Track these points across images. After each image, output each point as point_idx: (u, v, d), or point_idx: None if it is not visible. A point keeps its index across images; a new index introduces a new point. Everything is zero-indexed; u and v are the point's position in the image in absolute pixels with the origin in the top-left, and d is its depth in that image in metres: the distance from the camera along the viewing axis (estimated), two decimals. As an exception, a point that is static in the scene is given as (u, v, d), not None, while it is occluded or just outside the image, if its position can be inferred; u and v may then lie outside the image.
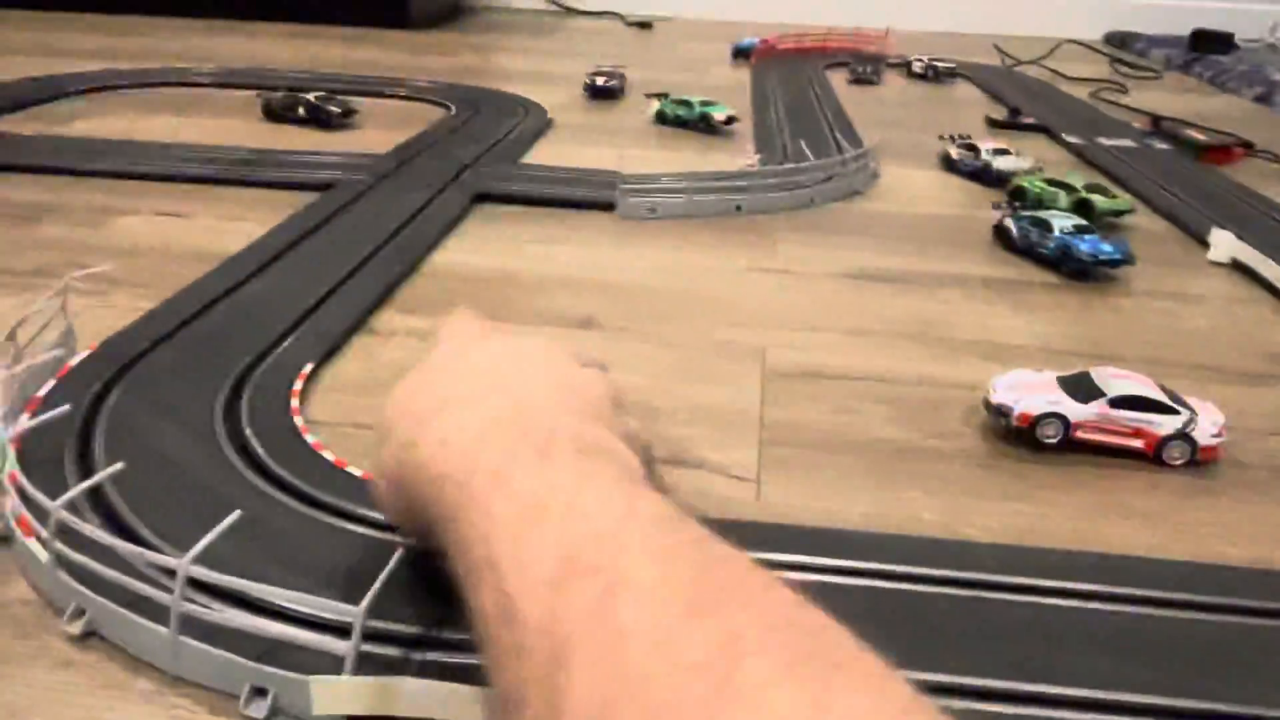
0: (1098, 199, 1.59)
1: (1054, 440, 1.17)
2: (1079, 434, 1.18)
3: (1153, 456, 1.19)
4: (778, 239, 1.55)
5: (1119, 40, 3.51)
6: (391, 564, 0.50)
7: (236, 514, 0.52)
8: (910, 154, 2.06)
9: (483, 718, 0.49)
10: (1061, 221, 1.44)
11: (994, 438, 1.12)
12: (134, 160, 1.57)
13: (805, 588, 0.52)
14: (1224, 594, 0.67)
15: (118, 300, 1.04)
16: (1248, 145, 2.25)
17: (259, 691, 0.49)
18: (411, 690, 0.48)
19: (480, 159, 1.70)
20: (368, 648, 0.50)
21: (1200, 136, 2.24)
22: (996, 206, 1.58)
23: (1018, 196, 1.57)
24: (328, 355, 0.95)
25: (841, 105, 2.41)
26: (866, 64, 2.74)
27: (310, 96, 1.92)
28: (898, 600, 0.63)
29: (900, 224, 1.70)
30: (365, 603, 0.47)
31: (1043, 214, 1.48)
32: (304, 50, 3.01)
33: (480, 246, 1.44)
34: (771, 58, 2.91)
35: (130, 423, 0.72)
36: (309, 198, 1.43)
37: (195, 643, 0.50)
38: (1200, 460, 1.25)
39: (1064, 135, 2.04)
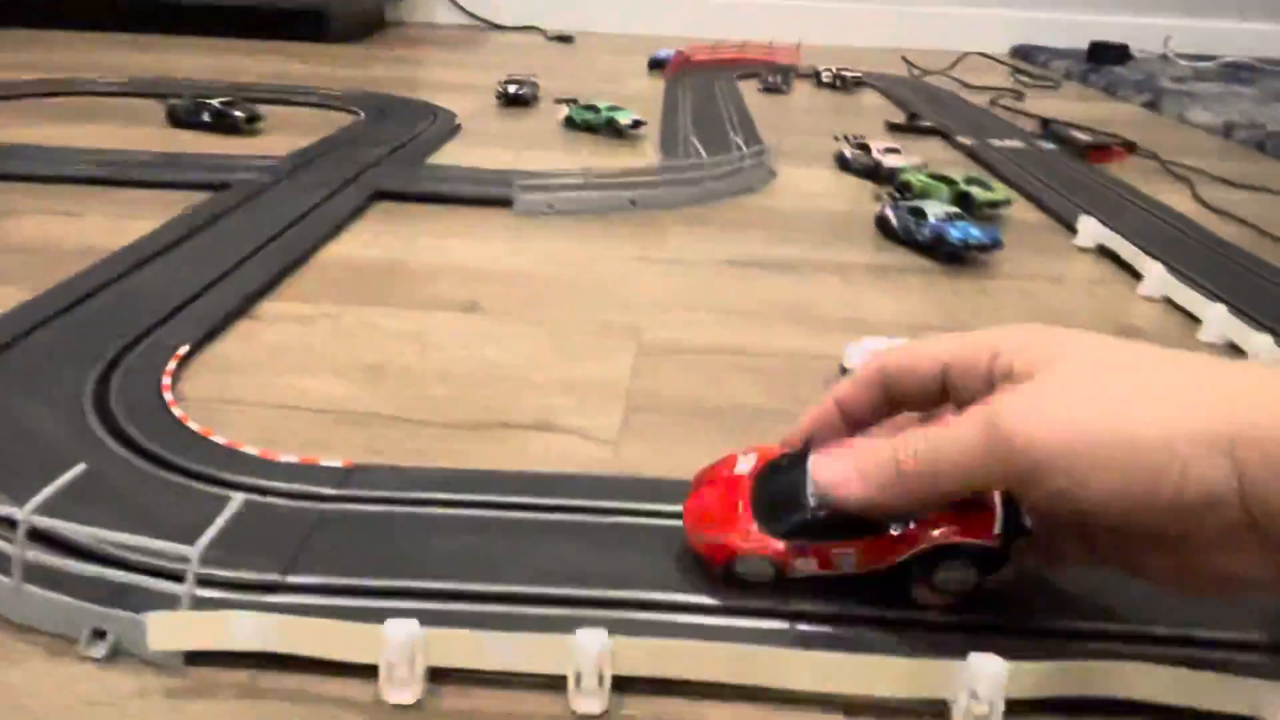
0: (976, 190, 1.68)
1: None
2: None
3: None
4: (669, 231, 1.62)
5: (1024, 53, 3.61)
6: (229, 510, 0.51)
7: (81, 467, 0.53)
8: (808, 155, 2.14)
9: (316, 649, 0.51)
10: (935, 210, 1.52)
11: None
12: (27, 163, 1.55)
13: (653, 531, 0.59)
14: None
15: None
16: (1130, 146, 2.42)
17: (99, 634, 0.50)
18: (246, 623, 0.48)
19: (382, 161, 1.72)
20: (212, 594, 0.52)
21: (1084, 137, 2.41)
22: (878, 198, 1.66)
23: (903, 190, 1.72)
24: (207, 337, 0.97)
25: (749, 111, 2.50)
26: (776, 74, 2.84)
27: (215, 102, 1.92)
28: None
29: (790, 218, 1.79)
30: (200, 542, 0.48)
31: (919, 203, 1.54)
32: (218, 62, 2.95)
33: (373, 240, 1.48)
34: (687, 69, 2.96)
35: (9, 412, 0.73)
36: (205, 197, 1.45)
37: (37, 589, 0.50)
38: None
39: (957, 137, 2.13)
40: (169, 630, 0.49)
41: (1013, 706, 0.54)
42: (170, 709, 0.49)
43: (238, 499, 0.55)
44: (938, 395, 0.49)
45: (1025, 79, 3.19)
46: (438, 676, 0.54)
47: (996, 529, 0.70)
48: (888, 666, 0.54)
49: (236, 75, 2.72)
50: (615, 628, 0.54)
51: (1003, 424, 0.40)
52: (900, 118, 2.34)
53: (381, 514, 0.65)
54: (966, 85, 3.15)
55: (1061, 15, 4.10)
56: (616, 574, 0.60)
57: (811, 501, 0.63)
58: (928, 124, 2.29)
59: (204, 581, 0.53)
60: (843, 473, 0.50)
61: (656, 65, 2.98)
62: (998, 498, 0.68)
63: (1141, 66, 3.40)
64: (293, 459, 0.74)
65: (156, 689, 0.50)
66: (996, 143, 2.29)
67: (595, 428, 0.98)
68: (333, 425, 0.98)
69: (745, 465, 0.68)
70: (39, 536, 0.54)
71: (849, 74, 2.88)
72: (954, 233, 1.49)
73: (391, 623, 0.49)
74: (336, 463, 0.73)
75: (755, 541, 0.63)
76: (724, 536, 0.65)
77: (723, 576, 0.64)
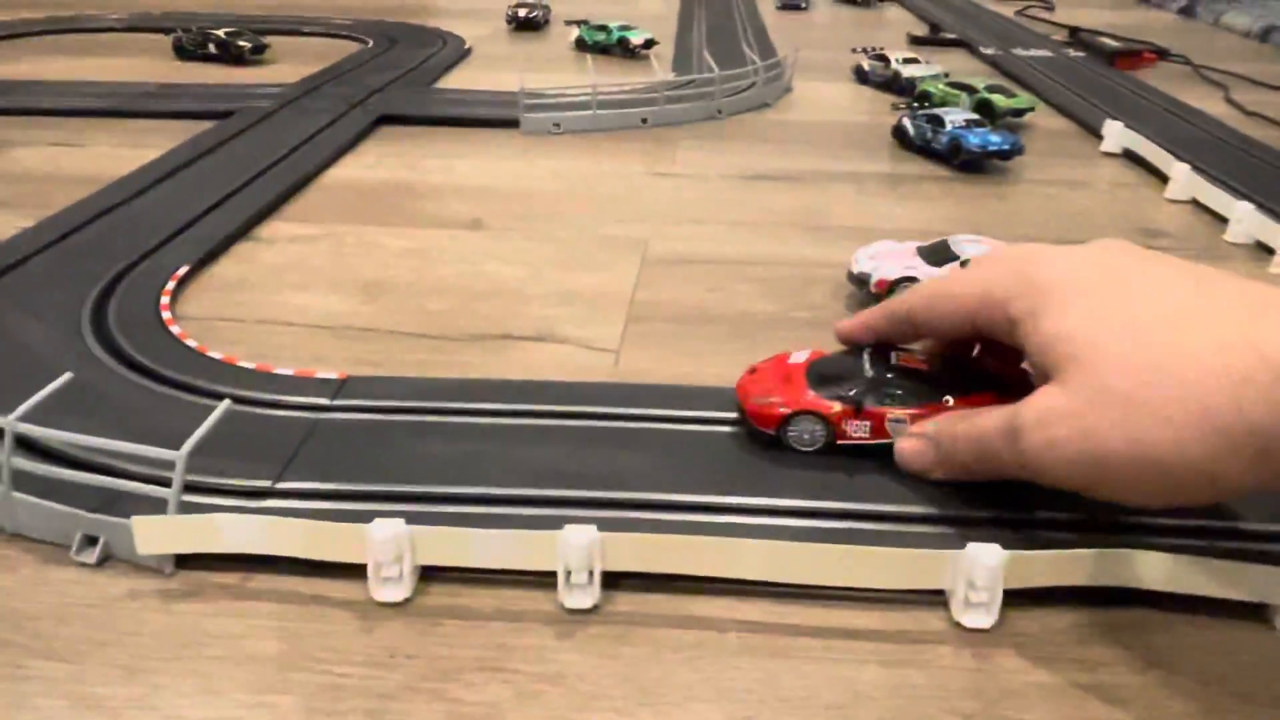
0: (997, 98, 1.65)
1: None
2: None
3: None
4: (679, 147, 1.58)
5: None
6: (215, 416, 0.51)
7: (67, 376, 0.54)
8: (826, 69, 2.05)
9: (304, 549, 0.51)
10: (954, 117, 1.49)
11: (858, 306, 1.24)
12: (35, 97, 1.54)
13: (649, 435, 0.61)
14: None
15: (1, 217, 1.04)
16: (1161, 52, 2.32)
17: (90, 540, 0.50)
18: (232, 525, 0.48)
19: (389, 86, 1.71)
20: (206, 500, 0.53)
21: (1113, 43, 2.31)
22: (895, 108, 1.63)
23: (922, 100, 1.70)
24: (208, 258, 0.97)
25: (766, 29, 2.45)
26: None
27: (220, 33, 1.89)
28: (729, 441, 0.69)
29: (804, 131, 1.73)
30: (186, 446, 0.48)
31: (937, 111, 1.50)
32: None
33: (378, 163, 1.46)
34: None
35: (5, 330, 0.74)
36: (210, 125, 1.44)
37: (28, 497, 0.50)
38: None
39: (981, 47, 2.09)
40: (156, 533, 0.49)
41: (1013, 598, 0.54)
42: (162, 610, 0.49)
43: (224, 405, 0.54)
44: (964, 331, 0.53)
45: None
46: (428, 576, 0.54)
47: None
48: (883, 558, 0.54)
49: (245, 8, 2.67)
50: (606, 526, 0.54)
51: (1027, 450, 0.46)
52: (922, 31, 2.29)
53: (375, 422, 0.65)
54: None
55: None
56: (609, 476, 0.61)
57: (872, 373, 0.65)
58: (951, 36, 2.22)
59: (198, 488, 0.53)
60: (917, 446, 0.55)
61: None
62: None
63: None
64: (288, 371, 0.74)
65: (148, 591, 0.50)
66: (1022, 52, 2.20)
67: (596, 337, 0.97)
68: (332, 340, 0.96)
69: (800, 356, 0.72)
70: (30, 446, 0.54)
71: None
72: (972, 139, 1.47)
73: (378, 522, 0.50)
74: (332, 375, 0.74)
75: (810, 402, 0.66)
76: (779, 398, 0.67)
77: (777, 439, 0.66)
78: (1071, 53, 2.16)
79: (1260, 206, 1.13)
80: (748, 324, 0.92)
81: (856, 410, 0.67)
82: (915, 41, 2.16)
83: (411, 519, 0.51)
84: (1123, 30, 2.57)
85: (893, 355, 0.71)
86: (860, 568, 0.53)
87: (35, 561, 0.52)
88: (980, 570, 0.50)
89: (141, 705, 0.45)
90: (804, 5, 2.74)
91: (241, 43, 1.87)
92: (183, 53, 1.92)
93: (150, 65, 1.89)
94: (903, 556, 0.54)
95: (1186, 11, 2.74)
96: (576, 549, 0.50)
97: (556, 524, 0.51)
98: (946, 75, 1.75)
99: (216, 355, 0.73)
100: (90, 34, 2.20)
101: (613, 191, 1.32)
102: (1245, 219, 1.12)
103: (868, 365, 0.69)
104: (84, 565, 0.51)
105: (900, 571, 0.53)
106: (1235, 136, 1.56)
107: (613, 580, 0.54)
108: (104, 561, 0.52)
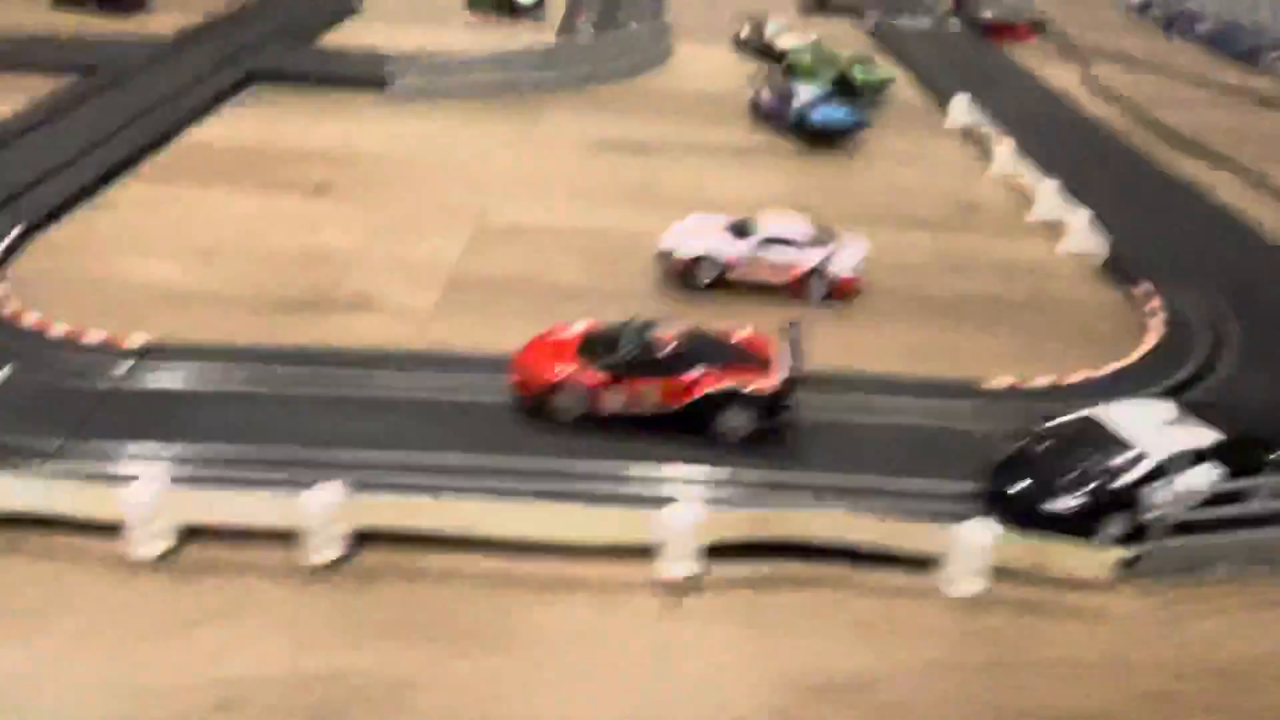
0: (858, 71, 1.97)
1: (709, 280, 2.25)
2: (733, 274, 2.32)
3: (798, 291, 2.42)
4: (545, 113, 1.58)
5: None
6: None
7: (6, 369, 0.85)
8: (711, 33, 2.47)
9: (78, 508, 0.83)
10: (804, 93, 1.56)
11: (663, 280, 1.54)
12: None
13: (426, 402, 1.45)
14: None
15: None
16: (1039, 25, 2.82)
17: None
18: (6, 485, 0.81)
19: (267, 42, 2.53)
20: None
21: (990, 16, 2.78)
22: (752, 81, 1.88)
23: (789, 71, 2.00)
24: (48, 220, 1.17)
25: None
26: None
27: None
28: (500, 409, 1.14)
29: (670, 100, 2.07)
30: None
31: (790, 85, 2.60)
32: None
33: (239, 123, 1.72)
34: None
35: None
36: (71, 80, 1.97)
37: None
38: (839, 293, 2.68)
39: (866, 16, 2.45)
40: None
41: (719, 551, 1.23)
42: None
43: (6, 369, 1.10)
44: None
45: None
46: (193, 535, 0.77)
47: (776, 379, 1.89)
48: (599, 516, 1.20)
49: None
50: (362, 486, 1.00)
51: None
52: None
53: (165, 390, 0.83)
54: None
55: None
56: (380, 438, 1.23)
57: (631, 348, 1.55)
58: (842, 3, 2.65)
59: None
60: None
61: None
62: (785, 351, 1.66)
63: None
64: (94, 339, 0.93)
65: None
66: (907, 22, 2.62)
67: (410, 306, 1.82)
68: (157, 305, 1.22)
69: (577, 327, 1.60)
70: None
71: None
72: (814, 115, 2.68)
73: (136, 484, 0.67)
74: (140, 341, 0.94)
75: (575, 376, 1.50)
76: (547, 369, 1.52)
77: (535, 408, 1.48)
78: (953, 24, 2.51)
79: (1067, 187, 1.92)
80: (557, 294, 1.60)
81: (613, 380, 1.51)
82: (811, 7, 3.56)
83: (185, 479, 0.69)
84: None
85: (650, 329, 1.54)
86: (582, 524, 1.16)
87: None
88: (676, 528, 1.12)
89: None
90: None
91: None
92: (59, 1, 1.97)
93: (25, 13, 2.10)
94: (617, 515, 1.18)
95: None
96: (317, 510, 0.72)
97: (312, 484, 0.85)
98: (818, 46, 2.90)
99: (26, 322, 1.21)
100: None
101: (466, 158, 1.41)
102: (1046, 200, 1.43)
103: (630, 340, 1.45)
104: None
105: (615, 528, 1.20)
106: (1074, 115, 2.82)
107: (367, 538, 1.14)
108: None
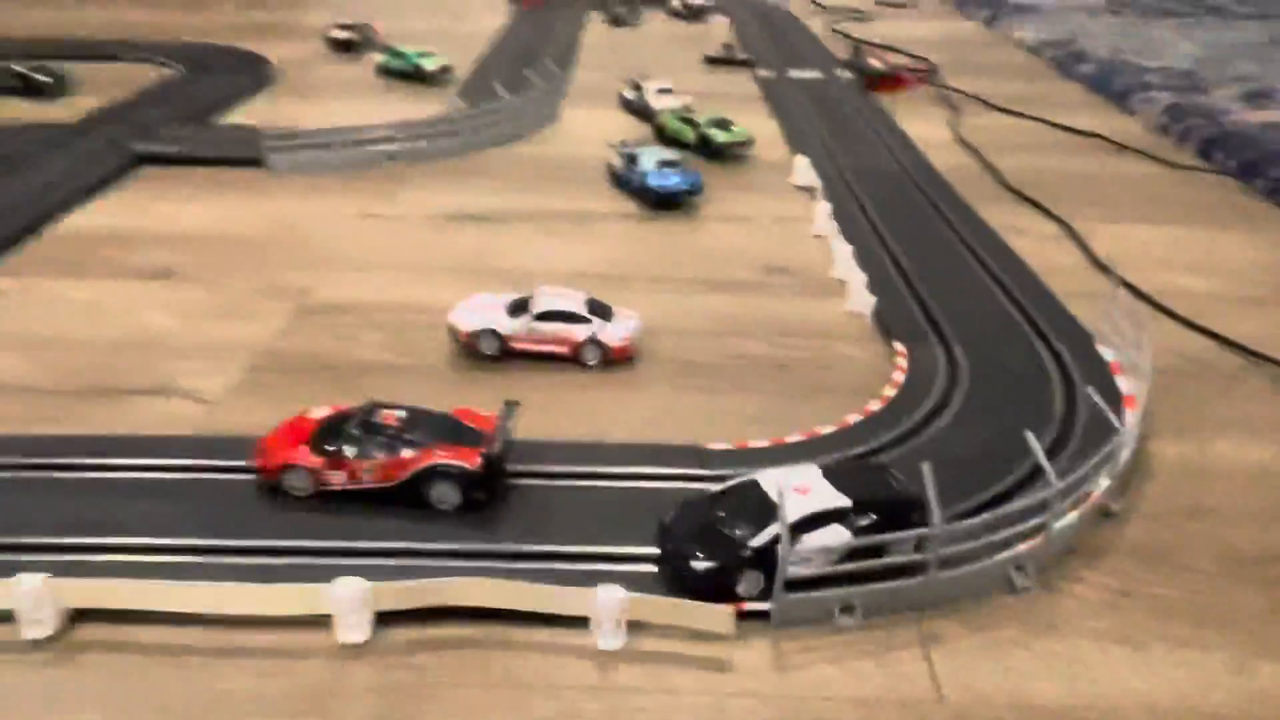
0: (715, 133, 3.34)
1: (492, 352, 2.66)
2: (514, 344, 2.71)
3: (575, 358, 2.93)
4: (407, 186, 3.22)
5: None
6: None
7: None
8: (601, 94, 4.13)
9: None
10: (648, 159, 2.85)
11: (453, 353, 2.60)
12: None
13: (180, 485, 2.03)
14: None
15: None
16: (928, 72, 4.83)
17: None
18: None
19: (166, 122, 3.25)
20: None
21: (877, 65, 3.00)
22: (610, 145, 3.14)
23: (658, 132, 3.37)
24: None
25: (577, 47, 4.66)
26: (622, 5, 4.89)
27: (18, 67, 3.41)
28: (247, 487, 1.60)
29: (538, 166, 3.46)
30: None
31: (635, 151, 2.83)
32: (56, 16, 4.72)
33: (114, 209, 2.94)
34: (543, 3, 5.02)
35: None
36: None
37: None
38: (613, 359, 3.06)
39: (759, 70, 4.27)
40: None
41: (388, 618, 1.64)
42: None
43: None
44: None
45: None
46: None
47: (479, 457, 2.22)
48: (268, 592, 1.53)
49: (75, 28, 4.58)
50: (97, 570, 1.66)
51: None
52: (722, 49, 4.14)
53: None
54: (821, 7, 5.83)
55: None
56: (123, 523, 1.76)
57: (354, 431, 1.73)
58: (742, 56, 4.41)
59: None
60: None
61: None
62: (497, 441, 2.09)
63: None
64: None
65: None
66: (796, 74, 3.05)
67: (207, 389, 2.07)
68: None
69: (319, 413, 1.80)
70: None
71: (696, 2, 4.88)
72: (653, 180, 2.88)
73: (25, 577, 1.63)
74: None
75: (300, 458, 1.72)
76: (279, 454, 1.72)
77: (272, 488, 1.73)
78: (843, 74, 4.37)
79: (861, 248, 2.63)
80: (353, 372, 1.86)
81: (332, 463, 1.68)
82: (710, 61, 4.26)
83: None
84: (918, 42, 3.87)
85: (378, 414, 1.73)
86: (254, 599, 1.51)
87: None
88: (344, 601, 1.46)
89: None
90: (631, 20, 4.61)
91: (40, 77, 3.33)
92: None
93: None
94: (288, 590, 1.52)
95: (989, 22, 3.61)
96: (26, 593, 1.56)
97: (62, 569, 1.62)
98: (690, 109, 3.26)
99: None
100: None
101: (314, 235, 2.65)
102: (842, 261, 2.62)
103: (354, 424, 1.66)
104: None
105: (284, 601, 1.53)
106: (919, 167, 3.83)
107: (86, 614, 1.67)
108: None
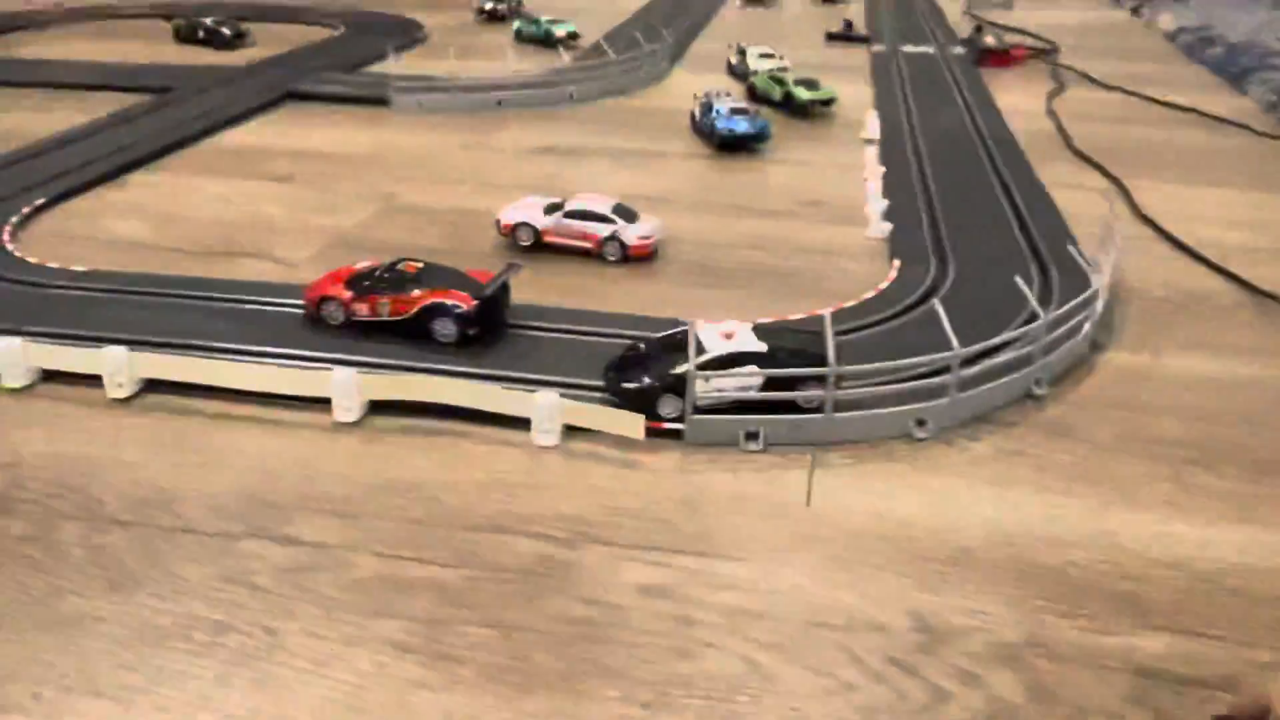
0: (799, 90, 3.79)
1: (527, 243, 3.70)
2: (546, 237, 3.75)
3: (599, 253, 3.91)
4: (508, 127, 3.92)
5: None
6: None
7: None
8: (714, 61, 4.69)
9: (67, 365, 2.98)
10: (720, 106, 3.35)
11: (501, 245, 3.51)
12: (35, 73, 3.83)
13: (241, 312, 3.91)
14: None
15: None
16: (1047, 49, 4.93)
17: None
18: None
19: (317, 69, 4.10)
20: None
21: (990, 42, 4.90)
22: (695, 97, 3.56)
23: (750, 91, 3.77)
24: (71, 193, 3.18)
25: (706, 22, 5.22)
26: None
27: (208, 21, 4.20)
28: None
29: (632, 116, 4.06)
30: None
31: (712, 100, 3.31)
32: None
33: (259, 130, 3.89)
34: None
35: None
36: (149, 98, 3.66)
37: None
38: (631, 256, 4.00)
39: (873, 45, 4.46)
40: None
41: (378, 406, 2.69)
42: None
43: None
44: None
45: None
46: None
47: (473, 300, 3.09)
48: (285, 374, 2.70)
49: None
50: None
51: None
52: (849, 26, 4.39)
53: (96, 297, 2.78)
54: None
55: None
56: (208, 333, 2.89)
57: (379, 274, 2.78)
58: (860, 34, 4.62)
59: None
60: None
61: None
62: (490, 287, 3.07)
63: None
64: (54, 265, 2.92)
65: None
66: (910, 49, 4.76)
67: (292, 257, 2.93)
68: (121, 251, 2.93)
69: (360, 265, 2.78)
70: None
71: None
72: (721, 124, 3.47)
73: (112, 349, 3.10)
74: (83, 268, 2.76)
75: (335, 292, 2.74)
76: (319, 290, 2.75)
77: (313, 318, 2.77)
78: (956, 50, 4.37)
79: (889, 184, 3.13)
80: (411, 253, 2.64)
81: (357, 297, 2.61)
82: (830, 37, 4.49)
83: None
84: (1064, 28, 5.29)
85: (402, 263, 2.67)
86: (282, 381, 2.71)
87: None
88: (341, 384, 2.65)
89: None
90: (769, 3, 4.71)
91: (224, 30, 4.08)
92: (179, 37, 4.28)
93: (150, 49, 4.37)
94: (298, 374, 2.71)
95: (1135, 10, 5.08)
96: (111, 358, 2.89)
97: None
98: (787, 70, 3.67)
99: (30, 258, 2.85)
100: (114, 19, 4.87)
101: (416, 158, 3.46)
102: (873, 197, 3.16)
103: (381, 270, 2.62)
104: None
105: (294, 383, 2.67)
106: (995, 132, 4.18)
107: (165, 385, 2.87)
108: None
